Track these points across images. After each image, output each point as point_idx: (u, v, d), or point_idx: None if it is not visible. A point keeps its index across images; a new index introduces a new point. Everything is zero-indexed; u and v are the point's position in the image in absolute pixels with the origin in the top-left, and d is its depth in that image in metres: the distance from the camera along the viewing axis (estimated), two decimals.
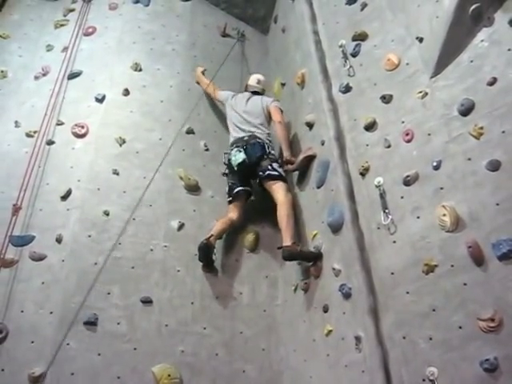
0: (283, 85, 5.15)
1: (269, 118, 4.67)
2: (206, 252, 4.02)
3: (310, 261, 3.86)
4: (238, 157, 4.36)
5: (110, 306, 3.68)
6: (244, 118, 4.64)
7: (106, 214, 4.07)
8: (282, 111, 4.65)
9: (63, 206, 4.07)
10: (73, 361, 3.40)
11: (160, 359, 3.56)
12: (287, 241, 3.86)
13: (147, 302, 3.77)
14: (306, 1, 4.80)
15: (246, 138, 4.48)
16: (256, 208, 4.59)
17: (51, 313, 3.56)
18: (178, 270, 4.00)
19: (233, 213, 4.34)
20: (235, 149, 4.43)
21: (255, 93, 4.90)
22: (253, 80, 5.05)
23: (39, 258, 3.82)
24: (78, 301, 3.63)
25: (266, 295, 4.11)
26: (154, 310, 3.76)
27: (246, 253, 4.30)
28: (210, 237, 4.05)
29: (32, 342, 3.44)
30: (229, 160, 4.46)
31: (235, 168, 4.38)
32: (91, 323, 3.58)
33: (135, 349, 3.56)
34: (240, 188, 4.39)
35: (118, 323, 3.63)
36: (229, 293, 4.03)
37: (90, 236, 3.94)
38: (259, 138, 4.46)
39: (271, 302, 4.08)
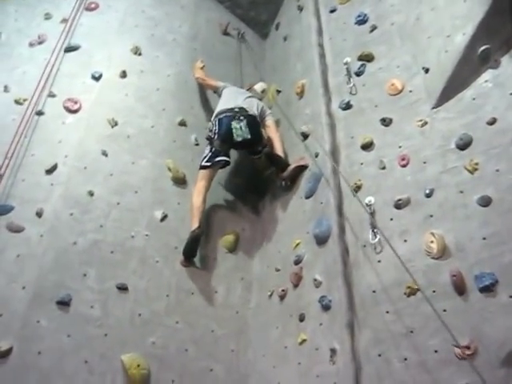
0: (279, 91, 5.19)
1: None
2: (195, 243, 4.01)
3: (280, 166, 4.34)
4: (244, 131, 4.36)
5: (85, 289, 3.59)
6: (243, 100, 4.66)
7: (91, 194, 3.98)
8: None
9: (47, 180, 3.96)
10: (41, 339, 3.29)
11: (130, 348, 3.49)
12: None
13: (123, 288, 3.70)
14: (315, 13, 4.87)
15: (236, 110, 4.50)
16: (238, 209, 4.61)
17: (24, 288, 3.44)
18: (157, 261, 3.95)
19: (205, 181, 4.30)
20: (234, 121, 4.39)
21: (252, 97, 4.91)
22: (259, 87, 5.12)
23: (17, 229, 3.69)
24: (53, 279, 3.53)
25: (240, 297, 4.10)
26: (128, 298, 3.69)
27: (224, 252, 4.29)
28: (199, 227, 4.03)
29: (0, 315, 3.31)
30: (224, 129, 4.38)
31: (238, 139, 4.35)
32: (64, 303, 3.47)
33: (106, 335, 3.48)
34: (223, 158, 4.38)
35: (92, 307, 3.54)
36: (204, 290, 4.00)
37: (71, 214, 3.84)
38: (255, 117, 4.56)
39: (244, 304, 4.08)
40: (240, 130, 4.36)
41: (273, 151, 4.47)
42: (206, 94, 5.17)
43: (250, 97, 4.82)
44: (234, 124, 4.38)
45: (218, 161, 4.36)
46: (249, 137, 4.36)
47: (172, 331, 3.71)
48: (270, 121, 4.76)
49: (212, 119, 4.58)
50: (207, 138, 4.50)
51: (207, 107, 5.10)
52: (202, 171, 4.35)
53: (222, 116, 4.47)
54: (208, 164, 4.35)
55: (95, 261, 3.74)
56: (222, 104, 4.65)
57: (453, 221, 3.12)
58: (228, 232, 4.39)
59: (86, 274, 3.65)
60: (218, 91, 4.95)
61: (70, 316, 3.47)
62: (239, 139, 4.35)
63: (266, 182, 4.74)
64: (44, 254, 3.62)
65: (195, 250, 4.05)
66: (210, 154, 4.37)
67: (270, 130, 4.70)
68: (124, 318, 3.61)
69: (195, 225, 4.04)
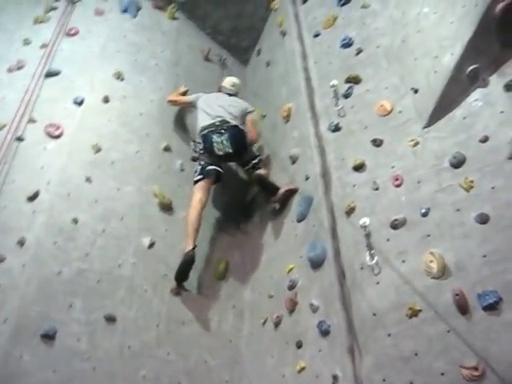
0: (263, 116, 5.16)
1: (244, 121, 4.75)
2: (189, 266, 3.90)
3: (272, 191, 4.27)
4: (225, 145, 4.39)
5: (71, 320, 3.39)
6: (221, 108, 4.67)
7: (75, 221, 3.81)
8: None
9: (29, 208, 3.77)
10: (25, 376, 3.06)
11: (120, 382, 3.30)
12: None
13: (111, 319, 3.52)
14: (298, 38, 4.90)
15: (217, 124, 4.51)
16: (226, 237, 4.50)
17: (5, 320, 3.22)
18: (146, 290, 3.79)
19: (201, 194, 4.29)
20: (215, 135, 4.42)
21: (229, 95, 4.94)
22: (227, 82, 5.11)
23: None
24: (37, 310, 3.32)
25: (232, 325, 3.98)
26: (117, 329, 3.51)
27: (214, 280, 4.16)
28: (193, 248, 3.94)
29: None
30: (209, 144, 4.41)
31: (219, 153, 4.40)
32: (49, 336, 3.25)
33: (94, 369, 3.27)
34: (214, 167, 4.41)
35: (78, 339, 3.34)
36: (195, 319, 3.85)
37: (55, 243, 3.65)
38: (237, 127, 4.56)
39: (237, 332, 3.95)
40: (221, 144, 4.40)
41: (262, 176, 4.40)
42: (189, 119, 5.10)
43: (227, 98, 4.83)
44: (215, 138, 4.42)
45: (209, 170, 4.37)
46: (230, 151, 4.40)
47: (163, 363, 3.54)
48: (249, 117, 4.78)
49: (196, 137, 4.59)
50: (193, 159, 4.50)
51: (192, 132, 5.01)
52: (196, 185, 4.35)
53: (205, 132, 4.50)
54: (200, 177, 4.35)
55: (81, 291, 3.55)
56: (202, 118, 4.65)
57: (451, 239, 3.08)
58: (217, 259, 4.27)
59: (72, 305, 3.46)
60: (193, 105, 4.90)
61: (56, 350, 3.25)
62: (220, 153, 4.38)
63: (253, 205, 4.68)
64: (27, 284, 3.40)
65: (188, 274, 3.93)
66: (200, 167, 4.43)
67: (248, 126, 4.72)
68: (113, 350, 3.42)
69: (189, 246, 3.93)
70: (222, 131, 4.44)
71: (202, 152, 4.48)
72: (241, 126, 4.59)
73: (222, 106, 4.68)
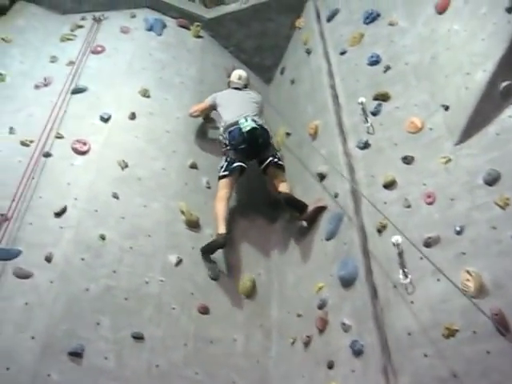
0: (288, 134, 5.13)
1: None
2: (218, 247, 4.11)
3: (300, 210, 4.21)
4: (249, 124, 4.49)
5: (99, 338, 3.34)
6: (242, 105, 4.80)
7: (102, 238, 3.79)
8: None
9: (56, 223, 3.76)
10: None
11: None
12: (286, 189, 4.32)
13: (139, 338, 3.46)
14: (324, 55, 4.90)
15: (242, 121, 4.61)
16: (254, 253, 4.44)
17: (33, 338, 3.18)
18: (173, 308, 3.72)
19: (226, 189, 4.42)
20: (242, 119, 4.56)
21: (238, 89, 5.08)
22: (234, 76, 5.23)
23: (25, 275, 3.44)
24: (64, 328, 3.28)
25: (261, 345, 3.88)
26: (145, 348, 3.44)
27: (242, 298, 4.09)
28: (227, 233, 4.14)
29: (7, 369, 3.01)
30: (238, 131, 4.51)
31: (245, 135, 4.47)
32: (77, 354, 3.21)
33: None
34: (239, 163, 4.49)
35: (106, 358, 3.28)
36: (223, 338, 3.78)
37: (83, 259, 3.63)
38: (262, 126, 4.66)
39: (265, 352, 3.86)
40: (244, 124, 4.51)
41: (289, 194, 4.35)
42: (213, 135, 5.09)
43: (242, 93, 4.99)
44: (241, 122, 4.55)
45: (235, 167, 4.49)
46: (256, 126, 4.52)
47: (191, 383, 3.47)
48: None
49: (222, 130, 4.69)
50: (223, 153, 4.65)
51: (217, 150, 5.01)
52: (221, 181, 4.49)
53: (231, 128, 4.60)
54: (226, 173, 4.48)
55: (109, 308, 3.51)
56: (227, 115, 4.73)
57: (487, 257, 3.00)
58: (244, 277, 4.20)
59: (100, 323, 3.41)
60: (214, 106, 4.98)
61: (83, 368, 3.20)
62: (247, 129, 4.48)
63: (281, 222, 4.63)
64: (54, 301, 3.38)
65: (213, 253, 4.14)
66: (225, 163, 4.53)
67: None
68: (140, 369, 3.35)
69: (222, 230, 4.10)
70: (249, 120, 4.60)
71: (228, 148, 4.58)
72: (265, 126, 4.70)
73: (242, 103, 4.83)
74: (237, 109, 4.72)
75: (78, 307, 3.42)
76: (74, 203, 3.90)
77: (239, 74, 5.26)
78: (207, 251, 4.13)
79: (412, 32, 4.33)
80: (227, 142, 4.58)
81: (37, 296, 3.39)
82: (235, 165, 4.48)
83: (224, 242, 4.08)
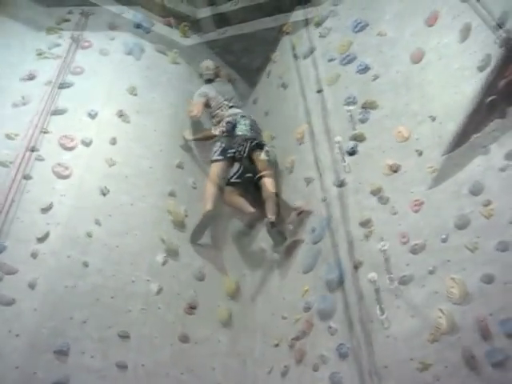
0: (272, 138, 5.16)
1: None
2: (206, 225, 4.27)
3: (276, 241, 4.20)
4: (247, 129, 4.78)
5: (85, 337, 3.33)
6: (228, 98, 5.24)
7: (89, 235, 3.76)
8: None
9: (43, 219, 3.72)
10: None
11: None
12: (272, 216, 4.24)
13: (125, 336, 3.46)
14: (312, 61, 4.95)
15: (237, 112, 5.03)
16: (238, 254, 4.47)
17: (17, 336, 3.15)
18: (159, 308, 3.73)
19: (218, 172, 4.65)
20: (242, 119, 4.88)
21: (210, 80, 5.38)
22: (202, 69, 5.54)
23: (9, 271, 3.39)
24: (51, 326, 3.25)
25: (245, 346, 3.92)
26: (131, 347, 3.44)
27: (227, 299, 4.13)
28: (212, 209, 4.32)
29: None
30: (233, 126, 4.84)
31: (239, 133, 4.75)
32: (62, 352, 3.19)
33: None
34: (233, 150, 4.70)
35: (92, 356, 3.27)
36: (208, 338, 3.80)
37: (69, 256, 3.60)
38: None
39: (250, 353, 3.89)
40: (244, 126, 4.81)
41: (274, 223, 4.24)
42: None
43: (223, 86, 5.37)
44: (242, 121, 4.87)
45: (228, 154, 4.72)
46: (249, 135, 4.76)
47: (177, 382, 3.47)
48: None
49: (217, 119, 5.08)
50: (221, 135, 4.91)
51: (204, 150, 5.03)
52: (214, 164, 4.74)
53: (229, 119, 4.95)
54: (220, 157, 4.74)
55: (95, 306, 3.49)
56: (220, 107, 5.12)
57: (472, 266, 3.09)
58: (229, 279, 4.24)
59: (86, 321, 3.39)
60: (207, 102, 5.20)
61: (69, 366, 3.18)
62: (240, 133, 4.75)
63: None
64: (40, 299, 3.34)
65: (203, 233, 4.28)
66: (220, 149, 4.79)
67: None
68: (126, 368, 3.34)
69: (209, 207, 4.24)
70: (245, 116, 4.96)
71: (224, 135, 4.85)
72: (255, 125, 5.00)
73: (229, 97, 5.20)
74: (227, 102, 5.13)
75: (64, 305, 3.39)
76: (60, 199, 3.85)
77: (206, 65, 5.51)
78: (196, 236, 4.26)
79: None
80: (224, 130, 4.86)
81: (22, 293, 3.33)
82: (230, 151, 4.71)
83: (209, 217, 4.27)
